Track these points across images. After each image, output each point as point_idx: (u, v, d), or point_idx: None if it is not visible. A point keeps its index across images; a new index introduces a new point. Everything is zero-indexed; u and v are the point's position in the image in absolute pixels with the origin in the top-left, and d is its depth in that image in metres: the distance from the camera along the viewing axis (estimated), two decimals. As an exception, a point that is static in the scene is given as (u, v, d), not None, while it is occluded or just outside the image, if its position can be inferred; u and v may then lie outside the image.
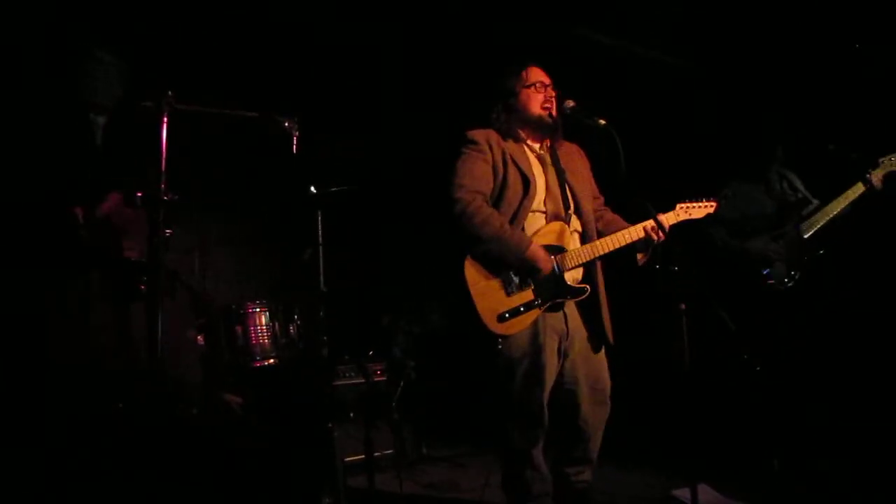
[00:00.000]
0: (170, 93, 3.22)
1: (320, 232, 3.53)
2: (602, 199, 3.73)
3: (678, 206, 3.54)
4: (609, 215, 3.68)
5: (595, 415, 3.48)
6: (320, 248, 3.52)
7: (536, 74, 3.55)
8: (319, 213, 3.54)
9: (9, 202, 3.11)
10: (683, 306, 3.12)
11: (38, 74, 3.52)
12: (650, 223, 3.40)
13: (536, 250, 3.31)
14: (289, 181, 3.68)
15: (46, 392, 3.16)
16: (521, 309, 3.31)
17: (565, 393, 3.45)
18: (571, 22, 5.52)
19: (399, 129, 6.09)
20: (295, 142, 3.51)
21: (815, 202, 4.53)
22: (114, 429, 4.04)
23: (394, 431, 4.85)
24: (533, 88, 3.52)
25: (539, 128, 3.55)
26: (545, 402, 3.35)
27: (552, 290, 3.36)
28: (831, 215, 4.39)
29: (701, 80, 5.75)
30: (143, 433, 3.90)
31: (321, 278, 3.51)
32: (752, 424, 4.41)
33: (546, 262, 3.32)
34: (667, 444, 4.02)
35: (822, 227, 4.42)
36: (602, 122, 3.32)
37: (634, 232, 3.44)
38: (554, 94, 3.53)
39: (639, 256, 3.50)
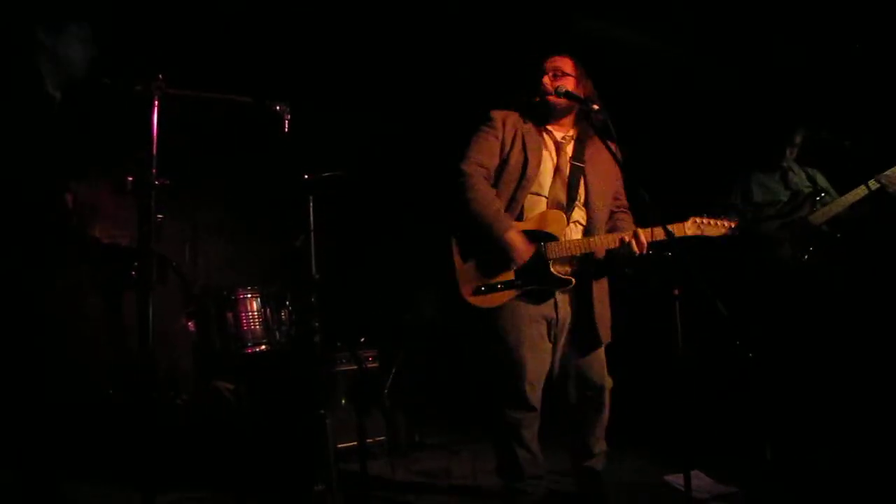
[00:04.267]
0: (160, 76, 3.18)
1: (312, 218, 3.51)
2: (623, 202, 3.68)
3: (692, 218, 3.44)
4: (621, 216, 3.64)
5: (587, 407, 3.51)
6: (312, 234, 3.50)
7: (553, 62, 3.53)
8: (311, 198, 3.52)
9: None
10: (677, 292, 3.11)
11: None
12: (628, 234, 3.35)
13: (513, 238, 3.33)
14: (280, 166, 3.66)
15: (37, 380, 3.13)
16: (499, 286, 3.36)
17: (559, 384, 3.50)
18: (576, 12, 5.51)
19: (393, 115, 6.06)
20: (286, 127, 3.48)
21: (834, 195, 4.58)
22: (105, 415, 4.03)
23: (386, 418, 4.84)
24: (545, 76, 3.51)
25: (550, 112, 3.54)
26: (530, 379, 3.37)
27: (534, 277, 3.38)
28: (839, 209, 4.45)
29: (713, 71, 5.73)
30: (134, 420, 3.89)
31: (313, 264, 3.49)
32: (745, 411, 4.42)
33: (520, 254, 3.34)
34: (660, 430, 4.02)
35: (832, 217, 4.48)
36: (595, 107, 3.32)
37: (611, 239, 3.40)
38: (563, 80, 3.48)
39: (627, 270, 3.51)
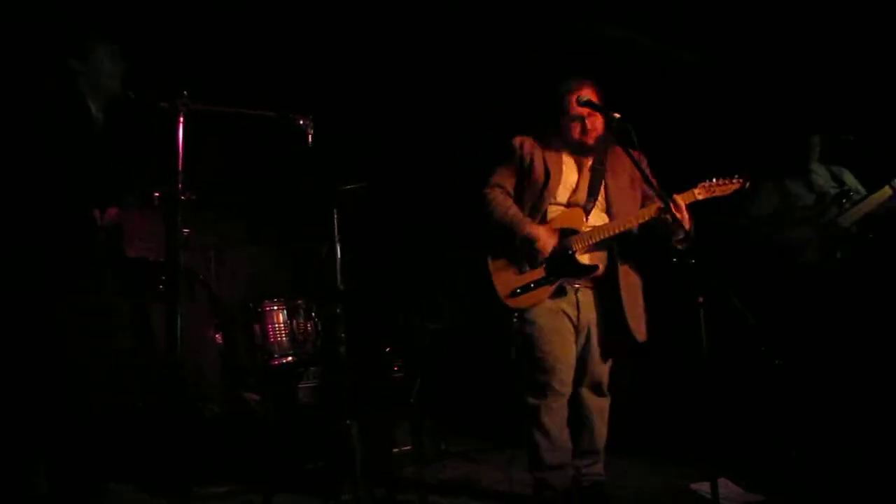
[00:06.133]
0: (185, 93, 3.23)
1: (336, 229, 3.54)
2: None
3: (700, 185, 3.56)
4: None
5: (595, 404, 3.69)
6: (337, 245, 3.53)
7: (580, 87, 3.58)
8: (335, 210, 3.55)
9: (30, 203, 3.13)
10: (701, 299, 3.12)
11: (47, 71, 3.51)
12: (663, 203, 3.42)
13: (535, 229, 3.54)
14: (304, 179, 3.70)
15: (66, 391, 3.18)
16: (532, 286, 3.57)
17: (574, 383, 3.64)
18: (599, 19, 5.52)
19: (414, 126, 6.09)
20: (310, 140, 3.52)
21: (863, 193, 4.54)
22: (134, 427, 4.07)
23: (412, 427, 4.85)
24: (573, 119, 3.61)
25: (577, 149, 3.67)
26: (557, 366, 3.54)
27: (563, 268, 3.56)
28: (868, 209, 4.42)
29: (732, 75, 5.70)
30: (162, 431, 3.93)
31: (338, 275, 3.52)
32: (771, 417, 4.39)
33: (544, 242, 3.53)
34: (686, 438, 4.01)
35: (862, 217, 4.44)
36: (616, 115, 3.35)
37: (646, 212, 3.55)
38: (596, 121, 3.59)
39: (674, 241, 3.50)
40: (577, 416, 3.68)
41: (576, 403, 3.67)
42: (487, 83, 5.82)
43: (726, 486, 3.81)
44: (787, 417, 4.31)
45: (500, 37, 5.62)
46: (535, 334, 3.57)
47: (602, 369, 3.67)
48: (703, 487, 3.67)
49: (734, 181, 3.56)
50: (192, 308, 4.06)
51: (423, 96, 5.97)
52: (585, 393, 3.67)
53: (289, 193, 5.24)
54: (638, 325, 3.62)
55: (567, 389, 3.59)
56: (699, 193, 3.54)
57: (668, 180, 3.41)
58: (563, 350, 3.57)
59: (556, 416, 3.58)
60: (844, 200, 4.55)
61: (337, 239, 3.53)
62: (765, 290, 4.49)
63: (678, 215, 3.39)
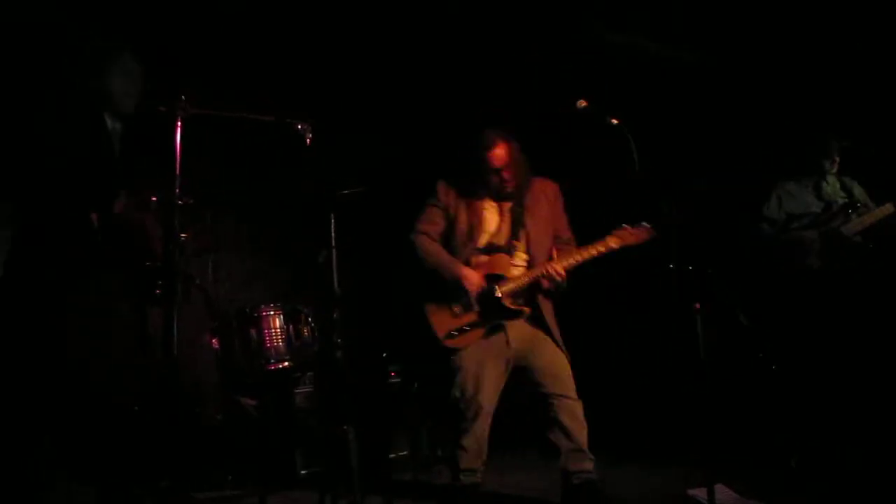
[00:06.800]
0: (183, 97, 3.23)
1: (333, 234, 3.54)
2: (566, 236, 4.02)
3: (614, 233, 3.77)
4: (561, 248, 3.97)
5: (562, 405, 3.75)
6: (334, 250, 3.53)
7: (495, 160, 3.83)
8: (333, 215, 3.55)
9: (29, 206, 3.13)
10: (698, 306, 3.12)
11: (56, 78, 3.51)
12: (546, 268, 3.76)
13: (463, 270, 3.82)
14: (302, 183, 3.70)
15: (63, 393, 3.17)
16: (467, 328, 3.82)
17: (533, 389, 3.80)
18: (599, 19, 5.53)
19: (413, 127, 6.09)
20: (308, 144, 3.52)
21: (872, 206, 4.60)
22: (130, 431, 4.06)
23: (409, 433, 4.85)
24: (491, 174, 3.85)
25: (497, 195, 3.93)
26: (475, 403, 3.75)
27: (493, 312, 3.80)
28: (872, 221, 4.50)
29: (732, 75, 5.71)
30: (158, 435, 3.92)
31: (335, 281, 3.52)
32: (769, 423, 4.39)
33: (472, 283, 3.79)
34: (683, 444, 4.01)
35: (866, 228, 4.50)
36: (614, 121, 3.36)
37: (539, 269, 3.80)
38: (510, 173, 3.84)
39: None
40: (552, 421, 3.74)
41: (546, 409, 3.75)
42: (487, 83, 5.83)
43: (723, 492, 3.81)
44: (785, 422, 4.31)
45: (500, 37, 5.62)
46: (462, 377, 3.78)
47: (556, 377, 3.77)
48: (700, 493, 3.67)
49: (644, 228, 3.74)
50: (189, 313, 4.04)
51: (422, 97, 5.98)
52: (548, 399, 3.75)
53: (286, 197, 5.23)
54: (560, 342, 3.87)
55: (484, 414, 3.78)
56: (612, 242, 3.76)
57: (667, 180, 3.40)
58: (485, 390, 3.76)
59: (472, 433, 3.78)
60: (850, 210, 4.61)
61: (334, 243, 3.53)
62: (766, 293, 4.52)
63: (548, 284, 3.81)
